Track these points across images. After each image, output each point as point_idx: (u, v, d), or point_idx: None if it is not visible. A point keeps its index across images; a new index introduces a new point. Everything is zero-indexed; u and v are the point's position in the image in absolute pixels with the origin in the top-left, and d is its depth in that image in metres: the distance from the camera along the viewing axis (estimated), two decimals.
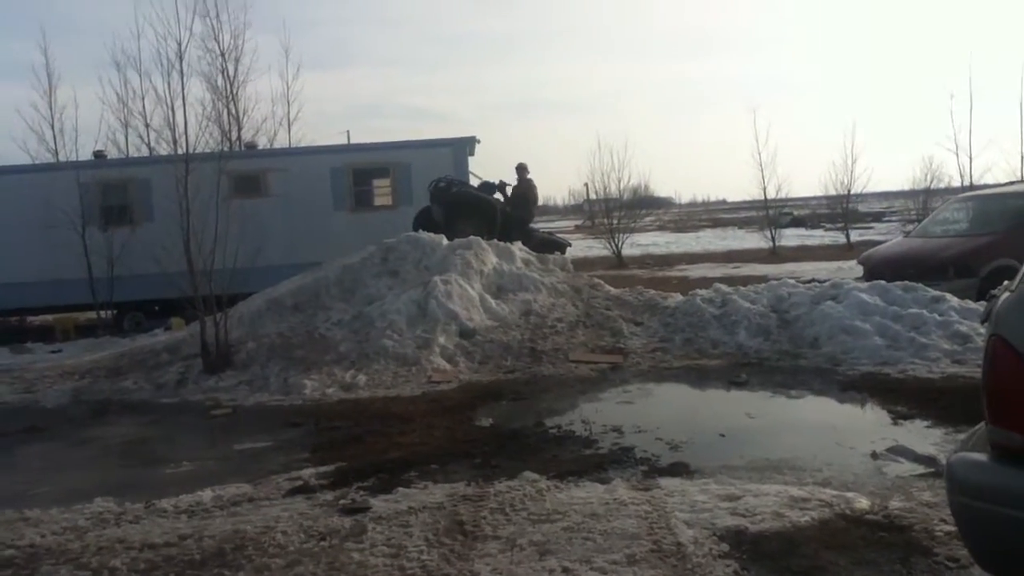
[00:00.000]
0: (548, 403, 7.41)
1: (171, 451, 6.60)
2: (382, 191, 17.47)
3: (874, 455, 5.37)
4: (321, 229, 15.82)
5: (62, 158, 23.45)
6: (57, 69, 25.35)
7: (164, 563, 4.19)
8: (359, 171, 16.94)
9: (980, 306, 8.80)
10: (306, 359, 8.98)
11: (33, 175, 16.98)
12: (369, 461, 5.73)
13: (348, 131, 40.86)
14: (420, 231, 12.11)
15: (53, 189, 15.38)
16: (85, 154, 21.31)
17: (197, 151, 10.65)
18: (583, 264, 20.73)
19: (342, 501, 4.93)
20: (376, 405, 7.55)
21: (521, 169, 14.41)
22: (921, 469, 5.06)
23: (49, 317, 15.93)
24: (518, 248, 11.63)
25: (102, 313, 15.30)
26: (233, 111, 25.25)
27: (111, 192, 16.16)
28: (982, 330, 8.16)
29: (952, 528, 3.64)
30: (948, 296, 9.25)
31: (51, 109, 24.33)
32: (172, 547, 4.42)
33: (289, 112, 27.08)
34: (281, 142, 25.89)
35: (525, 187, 14.34)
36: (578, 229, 50.80)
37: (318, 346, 9.26)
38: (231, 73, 25.05)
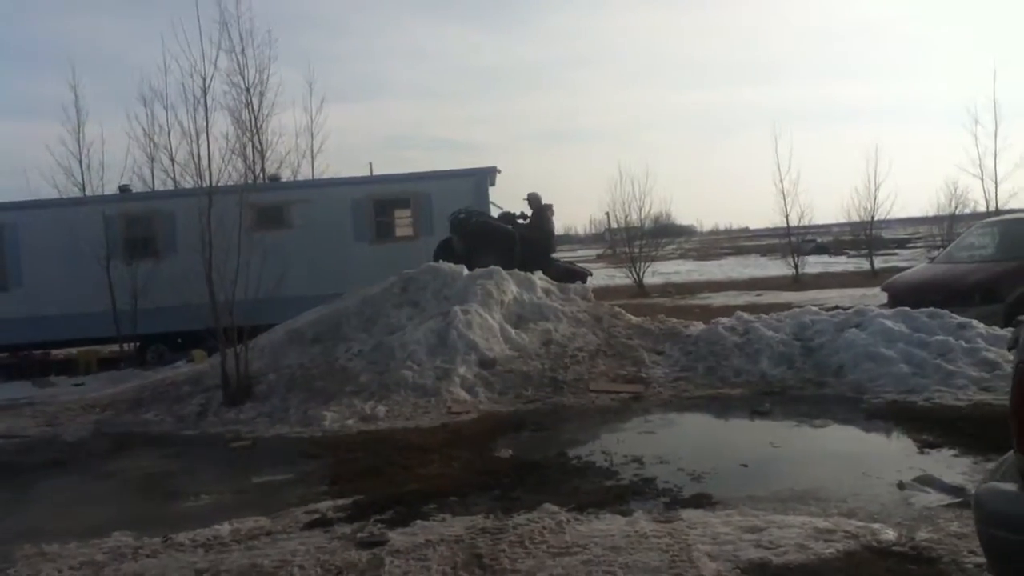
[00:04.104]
0: (569, 434, 7.33)
1: (190, 484, 6.57)
2: (403, 222, 17.52)
3: (901, 485, 5.25)
4: (342, 260, 15.87)
5: (88, 192, 23.81)
6: (86, 105, 25.68)
7: None
8: (380, 202, 17.02)
9: (1007, 332, 8.66)
10: (326, 390, 8.97)
11: (59, 209, 17.21)
12: (387, 493, 5.67)
13: (371, 163, 41.24)
14: (440, 261, 12.13)
15: (78, 223, 15.60)
16: (111, 188, 21.63)
17: (221, 184, 10.74)
18: (604, 293, 20.65)
19: (360, 534, 4.89)
20: (395, 436, 7.50)
21: (535, 199, 14.45)
22: (949, 499, 4.94)
23: (72, 351, 16.05)
24: (538, 277, 11.61)
25: (125, 346, 15.41)
26: (257, 144, 25.49)
27: (136, 225, 16.34)
28: (1010, 357, 8.02)
29: (982, 560, 3.53)
30: (974, 322, 9.11)
31: (79, 144, 24.72)
32: None
33: (313, 144, 27.33)
34: (304, 174, 26.11)
35: (543, 216, 14.37)
36: (600, 258, 50.74)
37: (338, 377, 9.25)
38: (256, 107, 25.33)
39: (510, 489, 5.63)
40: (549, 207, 14.62)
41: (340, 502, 5.58)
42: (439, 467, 6.32)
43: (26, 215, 16.35)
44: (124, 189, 18.97)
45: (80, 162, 24.43)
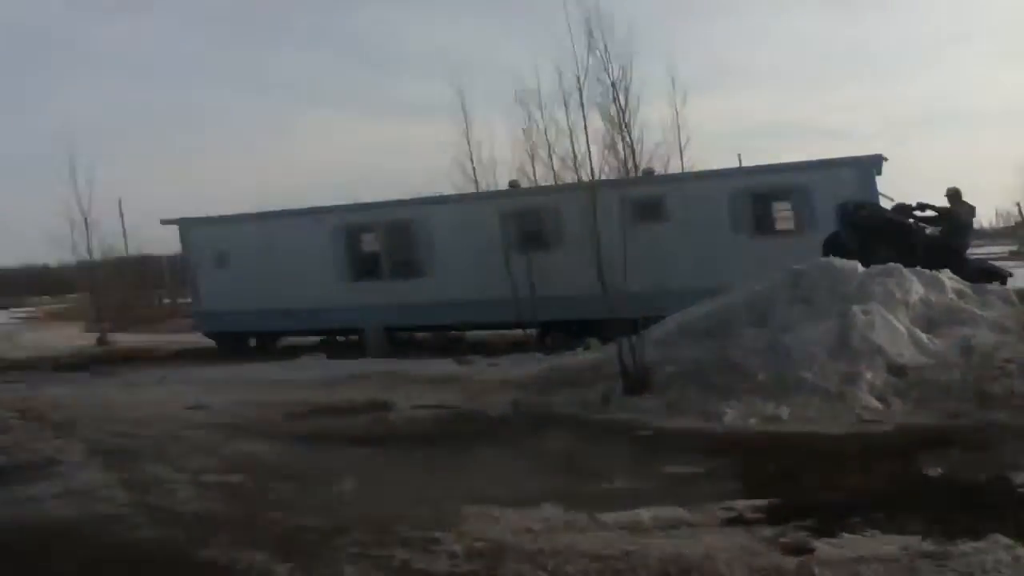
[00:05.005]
0: (1009, 456, 6.51)
1: (603, 467, 6.91)
2: (782, 215, 16.86)
3: None
4: (722, 253, 15.59)
5: (482, 188, 26.21)
6: (471, 106, 28.40)
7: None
8: (757, 194, 16.45)
9: None
10: (722, 386, 8.99)
11: (459, 205, 19.13)
12: (803, 500, 5.57)
13: (739, 154, 40.47)
14: (830, 256, 11.56)
15: (476, 217, 17.28)
16: (503, 183, 23.64)
17: (598, 179, 11.15)
18: None
19: (782, 539, 4.85)
20: (800, 440, 7.32)
21: (954, 195, 13.20)
22: None
23: (482, 333, 17.77)
24: (947, 277, 10.59)
25: (526, 331, 16.62)
26: (628, 139, 26.21)
27: (525, 219, 17.37)
28: None
29: None
30: None
31: (468, 144, 27.34)
32: (618, 560, 4.66)
33: (680, 137, 27.50)
34: (674, 168, 26.38)
35: (961, 212, 13.11)
36: (1014, 255, 44.83)
37: (733, 374, 9.23)
38: (623, 102, 25.96)
39: (945, 512, 5.21)
40: (969, 206, 13.29)
41: (755, 502, 5.56)
42: (857, 478, 6.05)
43: (436, 209, 18.46)
44: (513, 185, 20.53)
45: (471, 159, 27.14)
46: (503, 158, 37.24)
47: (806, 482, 6.04)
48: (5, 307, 51.42)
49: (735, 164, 22.63)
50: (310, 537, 5.39)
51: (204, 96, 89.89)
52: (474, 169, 27.61)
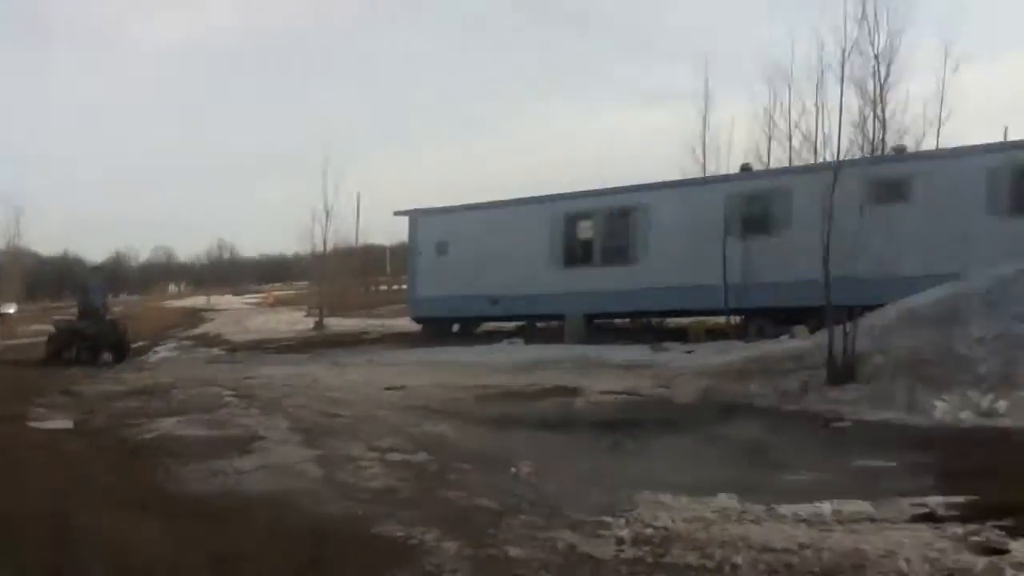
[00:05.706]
0: None
1: (790, 458, 6.59)
2: None
3: None
4: (966, 236, 13.81)
5: (711, 172, 25.39)
6: (713, 90, 27.64)
7: (783, 569, 4.20)
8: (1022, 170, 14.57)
9: None
10: (937, 378, 8.23)
11: (685, 189, 18.71)
12: (1006, 499, 4.97)
13: (1006, 127, 36.06)
14: None
15: (701, 202, 16.82)
16: (734, 167, 22.77)
17: (842, 158, 10.47)
18: None
19: (973, 538, 4.38)
20: (1017, 436, 6.60)
21: None
22: None
23: (683, 320, 17.36)
24: None
25: (729, 319, 16.11)
26: (880, 115, 24.06)
27: (752, 203, 16.66)
28: None
29: None
30: None
31: (705, 128, 26.61)
32: (791, 554, 4.40)
33: (941, 112, 24.82)
34: (928, 145, 23.89)
35: None
36: None
37: (952, 365, 8.40)
38: (882, 76, 23.78)
39: None
40: None
41: (951, 500, 5.07)
42: None
43: (657, 195, 18.02)
44: (745, 168, 19.65)
45: (703, 144, 26.36)
46: (739, 141, 35.62)
47: (1013, 480, 5.40)
48: (239, 294, 57.54)
49: (999, 139, 20.27)
50: (482, 517, 5.44)
51: (436, 92, 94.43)
52: (704, 154, 26.77)
